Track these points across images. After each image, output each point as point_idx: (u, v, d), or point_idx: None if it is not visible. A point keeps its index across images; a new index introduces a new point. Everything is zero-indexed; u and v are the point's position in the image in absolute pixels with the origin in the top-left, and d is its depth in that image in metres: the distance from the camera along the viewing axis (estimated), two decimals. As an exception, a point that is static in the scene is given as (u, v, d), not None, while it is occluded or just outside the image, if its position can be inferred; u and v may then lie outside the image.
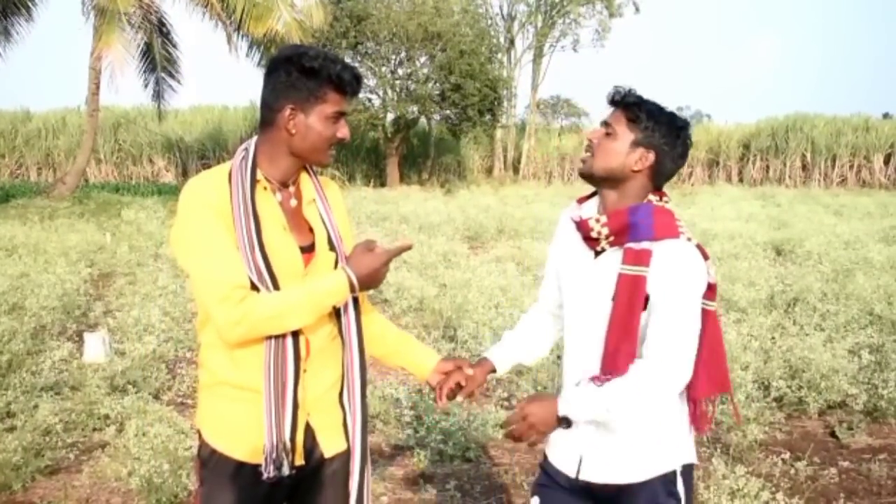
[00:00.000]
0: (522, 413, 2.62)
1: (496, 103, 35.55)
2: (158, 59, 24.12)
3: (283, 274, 2.50)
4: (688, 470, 2.73)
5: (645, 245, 2.55)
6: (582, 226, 2.63)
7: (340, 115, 2.59)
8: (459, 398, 2.93)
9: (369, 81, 33.63)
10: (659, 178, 2.66)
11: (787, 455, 5.22)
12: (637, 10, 41.41)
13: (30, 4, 23.19)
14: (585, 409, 2.56)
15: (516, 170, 41.41)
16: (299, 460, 2.59)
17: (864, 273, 10.83)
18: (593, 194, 2.78)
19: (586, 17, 40.84)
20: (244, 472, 2.56)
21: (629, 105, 2.60)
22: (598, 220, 2.60)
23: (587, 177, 2.68)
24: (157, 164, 38.89)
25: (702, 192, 30.81)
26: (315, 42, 25.52)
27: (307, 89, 2.50)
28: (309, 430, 2.63)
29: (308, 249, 2.60)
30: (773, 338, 7.56)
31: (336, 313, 2.63)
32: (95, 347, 7.26)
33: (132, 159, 38.72)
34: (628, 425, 2.64)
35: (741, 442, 5.75)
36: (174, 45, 24.72)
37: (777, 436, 6.14)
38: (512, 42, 41.38)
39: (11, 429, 5.62)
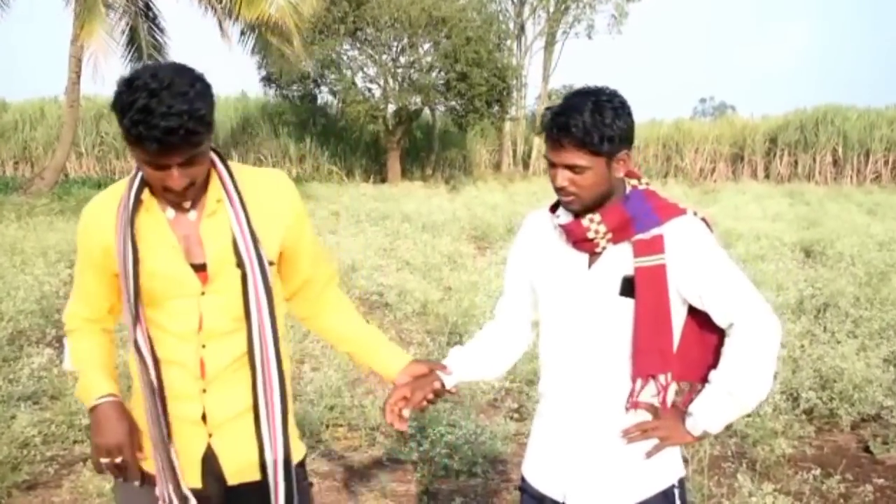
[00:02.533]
0: (655, 425, 2.62)
1: (505, 93, 35.52)
2: (145, 45, 24.18)
3: (176, 296, 2.52)
4: (682, 483, 2.72)
5: (654, 231, 2.55)
6: (574, 229, 2.60)
7: (158, 166, 2.37)
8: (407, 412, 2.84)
9: (368, 70, 33.74)
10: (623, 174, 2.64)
11: (817, 471, 5.21)
12: (656, -7, 41.51)
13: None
14: (719, 416, 2.59)
15: (526, 165, 41.43)
16: (193, 482, 2.61)
17: (900, 276, 10.81)
18: None
19: (602, 1, 40.87)
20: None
21: (581, 140, 2.49)
22: (592, 220, 2.56)
23: (584, 210, 2.61)
24: (141, 158, 38.89)
25: (725, 189, 30.78)
26: (310, 28, 25.57)
27: (119, 124, 2.35)
28: (210, 452, 2.62)
29: (203, 268, 2.54)
30: (802, 346, 7.55)
31: (249, 335, 2.57)
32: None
33: (115, 153, 38.63)
34: (618, 443, 2.65)
35: (768, 457, 5.75)
36: (161, 31, 24.81)
37: (807, 450, 6.12)
38: (522, 28, 41.41)
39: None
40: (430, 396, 2.83)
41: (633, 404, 2.61)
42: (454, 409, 6.42)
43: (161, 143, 2.27)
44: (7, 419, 5.96)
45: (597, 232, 2.56)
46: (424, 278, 11.38)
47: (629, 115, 2.55)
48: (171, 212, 2.52)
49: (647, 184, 2.68)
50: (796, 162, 40.20)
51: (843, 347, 7.39)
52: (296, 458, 2.72)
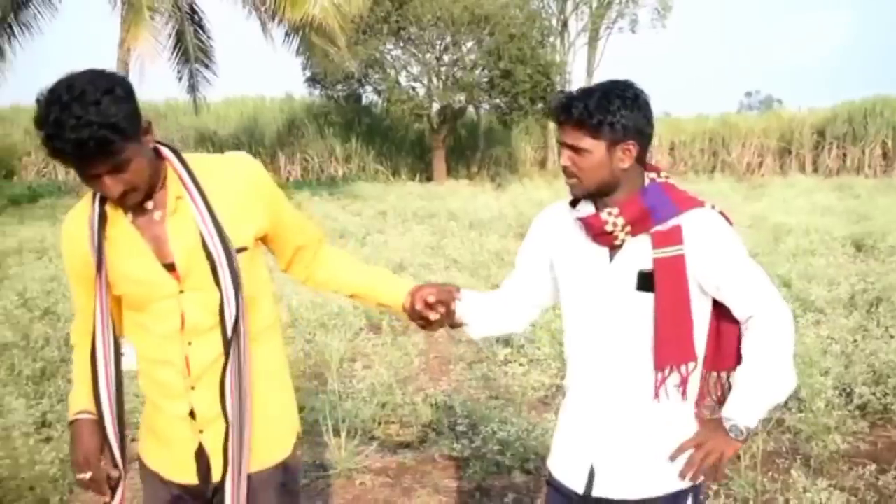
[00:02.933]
0: (705, 450, 2.60)
1: (549, 90, 35.22)
2: (192, 49, 24.29)
3: (157, 298, 2.54)
4: (697, 489, 2.71)
5: (672, 222, 2.55)
6: (594, 222, 2.60)
7: (88, 175, 2.36)
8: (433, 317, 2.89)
9: (412, 69, 33.75)
10: (645, 157, 2.65)
11: (872, 467, 5.20)
12: (701, -13, 41.44)
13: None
14: (753, 406, 2.58)
15: (571, 161, 41.27)
16: (189, 478, 2.66)
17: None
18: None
19: (645, -5, 40.74)
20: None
21: (580, 119, 2.54)
22: (610, 213, 2.57)
23: (584, 197, 2.67)
24: (188, 159, 39.22)
25: (773, 183, 30.51)
26: (354, 28, 25.63)
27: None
28: (201, 448, 2.65)
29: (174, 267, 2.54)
30: (854, 340, 7.51)
31: (222, 329, 2.56)
32: (133, 354, 7.31)
33: (162, 154, 39.11)
34: (642, 436, 2.66)
35: (822, 453, 5.73)
36: (207, 34, 24.89)
37: (861, 446, 6.10)
38: (565, 24, 41.29)
39: (47, 439, 5.70)
40: (450, 301, 2.88)
41: (656, 394, 2.62)
42: (506, 406, 6.45)
43: (76, 156, 2.28)
44: (66, 418, 6.02)
45: (615, 224, 2.56)
46: (472, 276, 11.38)
47: (641, 108, 2.57)
48: (130, 214, 2.52)
49: (667, 177, 2.69)
50: (845, 155, 39.76)
51: (896, 342, 7.35)
52: (273, 459, 2.73)
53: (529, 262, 2.92)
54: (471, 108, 36.29)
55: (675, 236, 2.53)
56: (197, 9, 24.43)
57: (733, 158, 41.03)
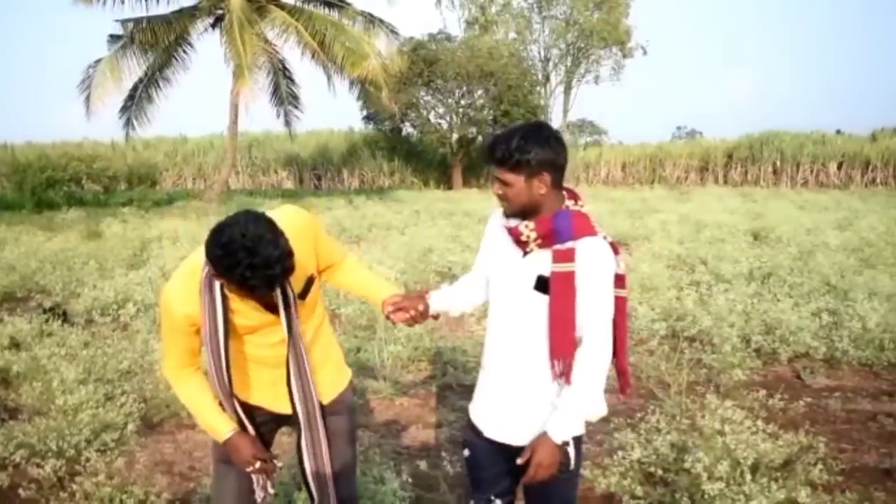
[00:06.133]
0: (535, 464, 2.42)
1: (535, 125, 35.44)
2: (284, 95, 24.40)
3: (267, 325, 2.50)
4: (578, 440, 2.55)
5: (569, 244, 2.43)
6: (513, 232, 2.50)
7: (255, 297, 2.31)
8: (403, 323, 2.84)
9: (438, 109, 33.85)
10: (560, 181, 2.49)
11: (763, 392, 5.17)
12: (645, 52, 41.68)
13: (185, 58, 23.69)
14: (570, 423, 2.43)
15: (551, 176, 41.35)
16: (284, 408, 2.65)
17: (822, 253, 10.64)
18: None
19: (605, 58, 40.75)
20: None
21: (502, 158, 2.42)
22: (527, 226, 2.46)
23: (513, 215, 2.53)
24: (280, 174, 39.30)
25: (695, 192, 30.36)
26: (397, 81, 25.67)
27: (220, 272, 2.22)
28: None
29: (273, 308, 2.46)
30: (752, 303, 7.46)
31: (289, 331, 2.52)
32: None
33: (262, 171, 39.24)
34: (533, 394, 2.54)
35: (728, 382, 5.72)
36: (295, 83, 24.99)
37: (755, 378, 6.08)
38: (548, 78, 41.27)
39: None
40: (416, 312, 2.79)
41: (553, 377, 2.47)
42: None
43: (270, 286, 2.24)
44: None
45: (528, 236, 2.46)
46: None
47: (552, 145, 2.40)
48: None
49: (582, 206, 2.55)
50: (746, 171, 39.57)
51: (781, 304, 7.31)
52: (336, 392, 2.77)
53: (483, 255, 2.80)
54: (480, 138, 36.30)
55: (569, 255, 2.42)
56: (287, 66, 24.51)
57: (667, 174, 40.85)
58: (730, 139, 41.90)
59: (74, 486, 3.62)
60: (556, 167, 2.43)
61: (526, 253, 2.51)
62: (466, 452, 2.78)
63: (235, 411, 2.58)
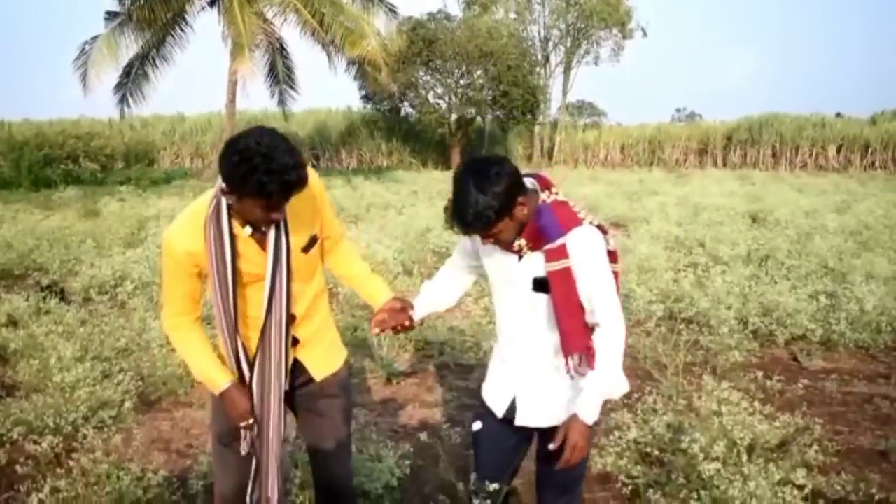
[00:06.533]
0: (571, 447, 2.42)
1: (535, 106, 35.47)
2: (281, 74, 24.30)
3: (262, 288, 2.47)
4: None
5: (559, 242, 2.43)
6: (507, 246, 2.53)
7: (271, 207, 2.27)
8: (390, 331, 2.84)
9: (437, 89, 33.75)
10: (525, 187, 2.43)
11: (760, 374, 5.18)
12: (644, 34, 41.46)
13: (183, 36, 23.58)
14: (598, 403, 2.44)
15: (550, 157, 41.31)
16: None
17: (820, 236, 10.63)
18: None
19: (605, 39, 40.57)
20: None
21: (480, 229, 2.39)
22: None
23: (513, 241, 2.51)
24: (277, 153, 39.31)
25: (694, 174, 30.36)
26: (396, 60, 25.57)
27: (236, 184, 2.20)
28: (297, 362, 2.67)
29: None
30: (750, 285, 7.46)
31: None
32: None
33: (259, 150, 39.28)
34: (554, 379, 2.59)
35: (725, 364, 5.72)
36: (292, 63, 24.88)
37: (752, 360, 6.08)
38: (547, 59, 41.11)
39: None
40: (400, 326, 2.80)
41: (568, 371, 2.52)
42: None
43: (286, 194, 2.22)
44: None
45: (520, 244, 2.47)
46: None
47: (503, 176, 2.32)
48: (248, 228, 2.42)
49: (556, 192, 2.52)
50: (746, 154, 39.61)
51: (779, 286, 7.30)
52: (330, 371, 2.74)
53: (464, 249, 2.81)
54: (479, 118, 36.26)
55: (562, 253, 2.43)
56: (285, 45, 24.40)
57: (666, 156, 40.87)
58: (729, 122, 41.95)
59: (71, 463, 3.61)
60: (519, 185, 2.39)
61: (521, 257, 2.52)
62: (478, 425, 2.82)
63: (237, 355, 2.54)
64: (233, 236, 2.39)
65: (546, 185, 2.53)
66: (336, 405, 2.76)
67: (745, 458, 3.54)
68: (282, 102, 25.24)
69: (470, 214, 2.32)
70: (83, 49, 21.85)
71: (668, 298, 7.25)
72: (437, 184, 21.96)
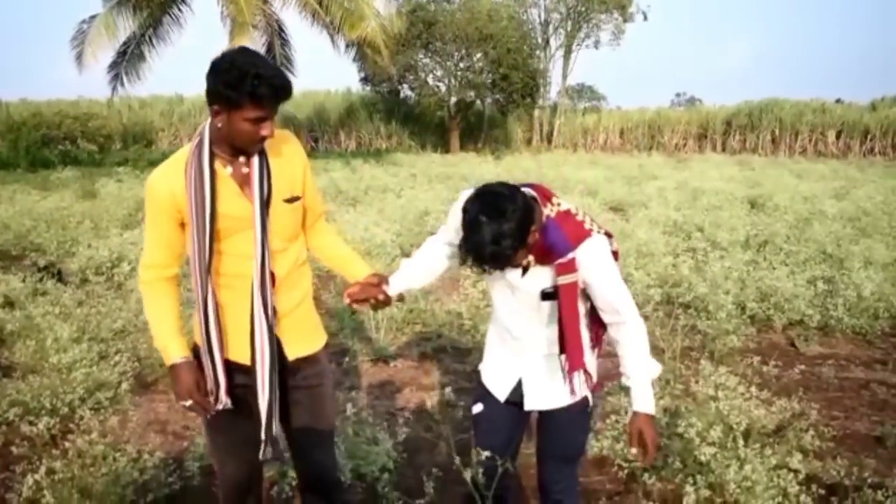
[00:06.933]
0: (650, 442, 2.50)
1: (535, 89, 35.30)
2: (278, 57, 24.17)
3: (244, 229, 2.42)
4: (589, 377, 2.70)
5: (570, 256, 2.43)
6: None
7: (261, 119, 2.28)
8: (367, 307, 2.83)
9: (437, 72, 33.59)
10: (534, 208, 2.41)
11: (757, 359, 5.18)
12: (645, 17, 41.47)
13: (180, 16, 23.43)
14: (650, 392, 2.52)
15: (550, 140, 41.15)
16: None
17: (819, 222, 10.64)
18: None
19: (605, 22, 40.32)
20: None
21: (506, 264, 2.39)
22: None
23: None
24: (276, 135, 39.20)
25: (693, 159, 30.31)
26: (395, 42, 25.45)
27: (227, 98, 2.23)
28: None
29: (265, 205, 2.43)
30: (748, 270, 7.47)
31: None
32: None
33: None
34: (551, 369, 2.65)
35: (723, 349, 5.73)
36: (290, 44, 24.73)
37: (750, 345, 6.09)
38: (547, 42, 40.84)
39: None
40: (374, 300, 2.77)
41: (571, 391, 2.61)
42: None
43: (276, 98, 2.26)
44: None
45: (527, 261, 2.48)
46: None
47: (519, 218, 2.29)
48: (229, 168, 2.41)
49: (559, 203, 2.50)
50: (745, 139, 39.50)
51: (777, 272, 7.31)
52: (305, 352, 2.66)
53: (449, 233, 2.79)
54: (478, 102, 36.11)
55: (571, 266, 2.43)
56: (283, 26, 24.23)
57: (666, 140, 40.77)
58: (729, 106, 41.82)
59: (67, 444, 3.62)
60: (531, 214, 2.36)
61: (525, 271, 2.53)
62: (479, 407, 2.84)
63: (206, 302, 2.46)
64: (213, 173, 2.38)
65: (546, 196, 2.51)
66: (316, 394, 2.72)
67: (741, 442, 3.55)
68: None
69: (488, 255, 2.31)
70: (80, 28, 21.72)
71: (666, 283, 7.25)
72: (436, 167, 21.94)
